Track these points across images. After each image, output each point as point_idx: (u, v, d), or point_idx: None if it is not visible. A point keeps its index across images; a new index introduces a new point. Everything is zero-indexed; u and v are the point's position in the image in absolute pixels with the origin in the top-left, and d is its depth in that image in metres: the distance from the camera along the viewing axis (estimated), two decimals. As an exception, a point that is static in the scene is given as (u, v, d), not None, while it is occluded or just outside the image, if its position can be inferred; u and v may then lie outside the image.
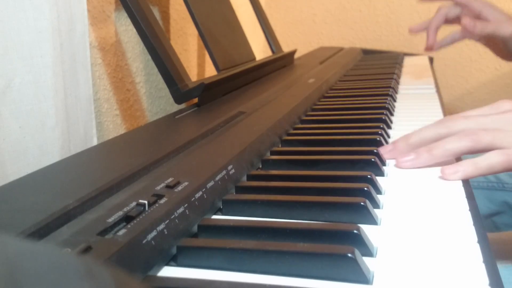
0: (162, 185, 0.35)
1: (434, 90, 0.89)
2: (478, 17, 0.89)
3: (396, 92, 0.88)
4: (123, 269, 0.26)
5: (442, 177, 0.44)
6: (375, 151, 0.49)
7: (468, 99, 1.50)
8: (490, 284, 0.27)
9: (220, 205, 0.39)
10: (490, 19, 0.87)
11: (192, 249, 0.31)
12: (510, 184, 0.86)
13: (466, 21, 0.86)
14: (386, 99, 0.74)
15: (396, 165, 0.48)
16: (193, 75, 1.08)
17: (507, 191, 0.86)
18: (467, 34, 0.92)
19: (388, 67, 1.11)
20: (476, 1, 0.90)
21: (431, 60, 1.35)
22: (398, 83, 0.96)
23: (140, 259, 0.28)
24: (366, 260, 0.30)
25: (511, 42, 0.85)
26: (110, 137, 0.68)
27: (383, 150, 0.50)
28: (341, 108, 0.71)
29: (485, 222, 0.88)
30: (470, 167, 0.43)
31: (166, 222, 0.31)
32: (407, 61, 1.28)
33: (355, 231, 0.31)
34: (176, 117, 0.58)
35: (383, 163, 0.48)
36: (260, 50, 1.48)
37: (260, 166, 0.49)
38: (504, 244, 0.61)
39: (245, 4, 1.09)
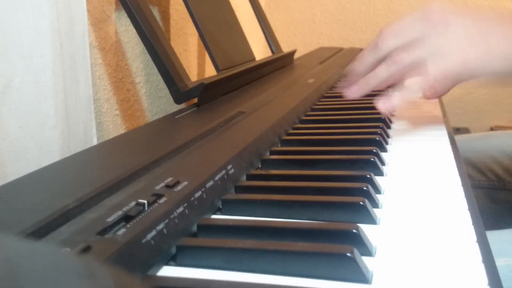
0: (162, 184, 0.35)
1: (433, 90, 0.89)
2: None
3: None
4: (122, 269, 0.26)
5: (379, 110, 0.55)
6: (374, 151, 0.49)
7: (468, 99, 1.50)
8: (489, 284, 0.27)
9: (219, 204, 0.39)
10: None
11: (191, 248, 0.31)
12: (511, 183, 0.86)
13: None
14: (386, 99, 0.74)
15: (345, 97, 0.59)
16: (193, 75, 1.08)
17: (508, 190, 0.86)
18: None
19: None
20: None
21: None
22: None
23: (139, 258, 0.28)
24: (365, 259, 0.30)
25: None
26: (110, 137, 0.68)
27: (345, 91, 0.60)
28: (340, 108, 0.71)
29: (487, 221, 0.87)
30: (397, 97, 0.54)
31: (165, 222, 0.31)
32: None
33: (354, 231, 0.31)
34: (176, 117, 0.58)
35: (383, 163, 0.48)
36: (260, 50, 1.48)
37: (260, 166, 0.49)
38: (505, 242, 0.61)
39: (245, 4, 1.09)
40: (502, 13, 0.54)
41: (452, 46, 0.53)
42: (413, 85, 0.54)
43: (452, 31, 0.53)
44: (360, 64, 0.59)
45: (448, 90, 0.59)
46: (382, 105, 0.54)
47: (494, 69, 0.52)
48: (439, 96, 0.66)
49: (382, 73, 0.56)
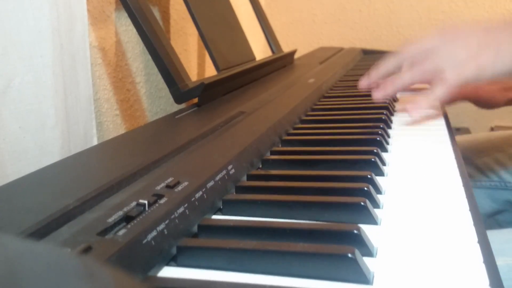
0: (162, 185, 0.35)
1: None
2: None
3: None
4: (123, 269, 0.26)
5: (409, 115, 0.60)
6: (375, 151, 0.49)
7: (468, 99, 1.50)
8: (491, 285, 0.27)
9: (220, 205, 0.39)
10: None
11: (192, 249, 0.31)
12: (513, 183, 0.86)
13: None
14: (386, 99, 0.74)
15: (373, 97, 0.64)
16: (193, 75, 1.08)
17: (509, 190, 0.86)
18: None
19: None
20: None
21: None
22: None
23: (140, 259, 0.28)
24: (366, 260, 0.30)
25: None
26: (110, 137, 0.68)
27: (361, 82, 0.69)
28: (341, 108, 0.71)
29: (488, 221, 0.88)
30: (424, 101, 0.59)
31: (166, 222, 0.31)
32: (407, 61, 1.28)
33: (355, 231, 0.31)
34: (176, 117, 0.58)
35: (383, 163, 0.48)
36: (260, 50, 1.48)
37: (260, 166, 0.49)
38: (505, 242, 0.61)
39: (245, 4, 1.09)
40: (510, 21, 0.60)
41: (466, 54, 0.58)
42: (436, 91, 0.59)
43: (465, 41, 0.59)
44: (382, 67, 0.66)
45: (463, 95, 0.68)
46: (414, 111, 0.61)
47: (505, 70, 0.57)
48: (454, 100, 0.75)
49: (406, 76, 0.63)
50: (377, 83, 0.68)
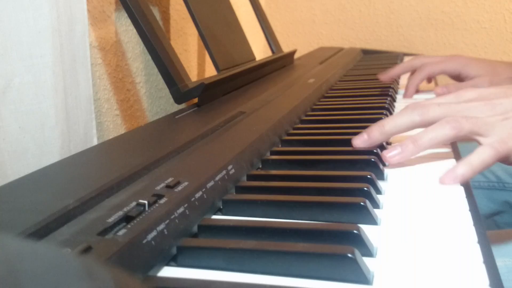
0: (162, 185, 0.35)
1: (434, 90, 0.89)
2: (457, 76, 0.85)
3: (396, 93, 0.88)
4: (123, 269, 0.26)
5: (442, 183, 0.43)
6: (375, 151, 0.49)
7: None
8: (491, 285, 0.27)
9: (220, 205, 0.39)
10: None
11: (192, 249, 0.31)
12: (511, 184, 0.86)
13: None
14: (386, 99, 0.74)
15: (384, 160, 0.47)
16: (193, 75, 1.08)
17: (507, 191, 0.86)
18: None
19: (388, 67, 1.10)
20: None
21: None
22: (398, 83, 0.96)
23: (140, 259, 0.28)
24: (366, 260, 0.30)
25: None
26: (110, 137, 0.68)
27: (356, 141, 0.50)
28: (341, 108, 0.71)
29: (486, 221, 0.88)
30: (466, 168, 0.43)
31: (166, 222, 0.31)
32: (407, 61, 1.28)
33: (355, 231, 0.31)
34: (176, 117, 0.58)
35: (383, 163, 0.48)
36: (260, 50, 1.48)
37: (260, 166, 0.49)
38: (505, 242, 0.61)
39: (245, 4, 1.09)
40: None
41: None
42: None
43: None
44: (389, 123, 0.51)
45: None
46: (451, 181, 0.44)
47: None
48: None
49: (435, 133, 0.48)
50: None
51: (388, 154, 0.47)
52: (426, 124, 0.48)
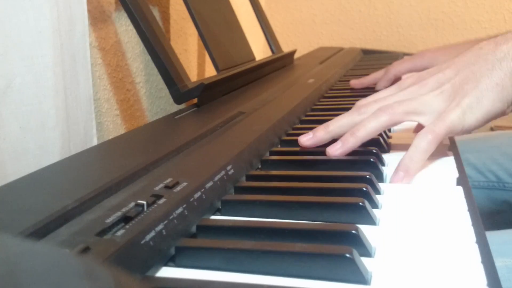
0: (161, 185, 0.35)
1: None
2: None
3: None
4: (121, 270, 0.26)
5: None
6: (374, 151, 0.49)
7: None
8: (488, 284, 0.27)
9: (219, 205, 0.39)
10: None
11: (190, 249, 0.31)
12: (511, 184, 0.86)
13: None
14: (386, 99, 0.74)
15: (327, 155, 0.49)
16: (193, 75, 1.08)
17: (507, 191, 0.86)
18: None
19: (388, 67, 1.10)
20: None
21: (431, 60, 1.35)
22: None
23: (138, 259, 0.28)
24: (364, 260, 0.30)
25: None
26: (110, 137, 0.68)
27: (303, 139, 0.52)
28: (341, 108, 0.70)
29: (486, 221, 0.87)
30: (410, 165, 0.45)
31: (164, 223, 0.31)
32: (407, 61, 1.28)
33: (353, 232, 0.31)
34: (176, 117, 0.58)
35: (382, 164, 0.48)
36: (260, 50, 1.48)
37: (259, 166, 0.49)
38: (505, 242, 0.61)
39: (245, 4, 1.09)
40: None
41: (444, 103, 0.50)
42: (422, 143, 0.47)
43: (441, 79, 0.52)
44: (333, 123, 0.52)
45: None
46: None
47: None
48: None
49: (372, 123, 0.50)
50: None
51: (331, 149, 0.49)
52: None
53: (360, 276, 0.28)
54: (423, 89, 0.50)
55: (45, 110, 0.53)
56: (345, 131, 0.50)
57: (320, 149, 0.52)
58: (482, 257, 0.30)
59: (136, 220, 0.30)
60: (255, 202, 0.38)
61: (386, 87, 0.82)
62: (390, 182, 0.44)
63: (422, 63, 0.83)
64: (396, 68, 0.84)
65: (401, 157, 0.51)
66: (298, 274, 0.29)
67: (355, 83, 0.87)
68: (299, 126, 0.63)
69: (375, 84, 0.86)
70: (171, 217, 0.32)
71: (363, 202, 0.36)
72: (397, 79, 0.87)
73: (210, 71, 1.14)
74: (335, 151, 0.49)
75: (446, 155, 0.50)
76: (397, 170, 0.45)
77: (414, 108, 0.48)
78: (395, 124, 0.50)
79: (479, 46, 0.51)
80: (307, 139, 0.52)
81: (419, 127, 0.53)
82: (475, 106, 0.46)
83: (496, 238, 0.62)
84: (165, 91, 0.91)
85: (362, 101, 0.54)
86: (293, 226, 0.34)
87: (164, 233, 0.31)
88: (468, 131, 0.47)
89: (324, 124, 0.52)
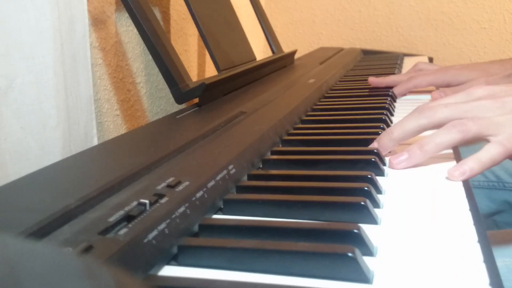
0: (163, 184, 0.35)
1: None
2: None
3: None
4: (124, 269, 0.26)
5: (449, 179, 0.43)
6: (375, 151, 0.49)
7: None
8: (491, 284, 0.27)
9: (221, 204, 0.39)
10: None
11: (193, 248, 0.31)
12: (511, 183, 0.86)
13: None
14: (386, 99, 0.74)
15: (391, 167, 0.47)
16: (194, 75, 1.08)
17: (507, 190, 0.86)
18: None
19: (388, 67, 1.11)
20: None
21: (431, 60, 1.35)
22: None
23: (141, 258, 0.28)
24: (366, 259, 0.30)
25: None
26: (111, 137, 0.68)
27: (394, 160, 0.49)
28: (341, 108, 0.71)
29: (486, 221, 0.88)
30: (475, 164, 0.43)
31: (167, 222, 0.31)
32: (407, 61, 1.28)
33: (355, 231, 0.31)
34: (177, 117, 0.58)
35: (384, 163, 0.48)
36: (260, 50, 1.48)
37: (261, 166, 0.49)
38: (505, 242, 0.61)
39: (245, 5, 1.09)
40: None
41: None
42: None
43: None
44: (397, 129, 0.50)
45: None
46: (459, 177, 0.44)
47: None
48: None
49: (441, 138, 0.48)
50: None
51: (395, 160, 0.47)
52: (434, 127, 0.48)
53: (362, 275, 0.28)
54: (500, 110, 0.47)
55: (45, 110, 0.53)
56: (411, 137, 0.48)
57: (321, 148, 0.52)
58: (484, 256, 0.30)
59: (139, 219, 0.30)
60: (257, 201, 0.38)
61: (403, 95, 0.82)
62: (449, 177, 0.43)
63: (444, 78, 0.82)
64: (418, 79, 0.82)
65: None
66: (300, 273, 0.29)
67: (373, 80, 0.86)
68: (300, 125, 0.63)
69: (392, 86, 0.84)
70: (173, 216, 0.32)
71: (364, 202, 0.36)
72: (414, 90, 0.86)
73: (210, 72, 1.14)
74: (398, 163, 0.47)
75: (447, 155, 0.50)
76: (461, 166, 0.43)
77: (487, 128, 0.46)
78: (465, 143, 0.47)
79: None
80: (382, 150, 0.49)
81: None
82: None
83: (496, 238, 0.62)
84: (165, 91, 0.91)
85: (429, 104, 0.51)
86: (295, 225, 0.34)
87: (167, 232, 0.31)
88: None
89: (387, 131, 0.50)
